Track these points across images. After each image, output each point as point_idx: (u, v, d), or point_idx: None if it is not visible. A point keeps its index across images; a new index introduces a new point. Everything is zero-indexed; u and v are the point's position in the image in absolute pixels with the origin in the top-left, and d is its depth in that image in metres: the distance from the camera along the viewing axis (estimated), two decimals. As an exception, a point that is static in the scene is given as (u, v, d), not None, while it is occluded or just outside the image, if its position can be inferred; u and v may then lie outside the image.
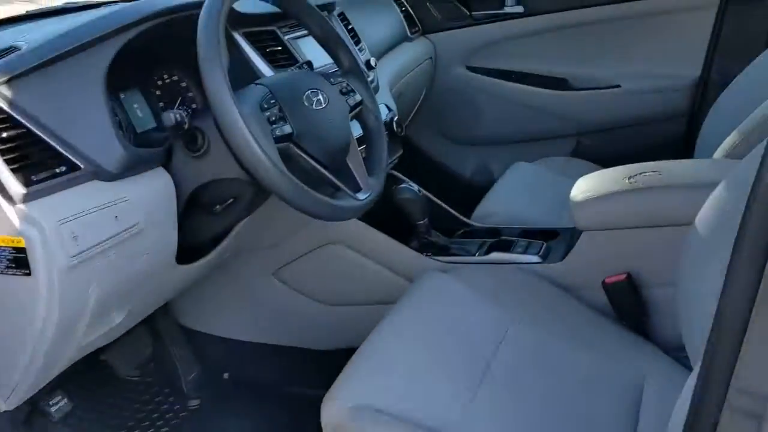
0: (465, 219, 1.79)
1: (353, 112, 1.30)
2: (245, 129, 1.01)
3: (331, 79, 1.29)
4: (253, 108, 1.07)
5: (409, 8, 2.37)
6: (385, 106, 1.79)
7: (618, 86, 2.23)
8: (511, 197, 1.95)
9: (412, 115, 2.41)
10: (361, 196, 1.22)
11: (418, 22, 2.38)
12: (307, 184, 1.13)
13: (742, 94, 1.86)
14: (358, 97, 1.31)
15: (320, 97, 1.20)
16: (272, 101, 1.11)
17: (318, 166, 1.16)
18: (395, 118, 1.77)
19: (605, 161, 2.26)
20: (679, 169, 1.44)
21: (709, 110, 2.00)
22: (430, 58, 2.37)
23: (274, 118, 1.09)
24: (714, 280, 0.80)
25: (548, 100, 2.31)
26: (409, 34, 2.28)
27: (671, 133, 2.24)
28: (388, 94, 1.88)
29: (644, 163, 1.51)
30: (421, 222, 1.61)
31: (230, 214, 1.25)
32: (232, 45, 1.38)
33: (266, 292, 1.70)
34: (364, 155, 1.34)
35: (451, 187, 2.55)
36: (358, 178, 1.25)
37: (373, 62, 1.77)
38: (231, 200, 1.22)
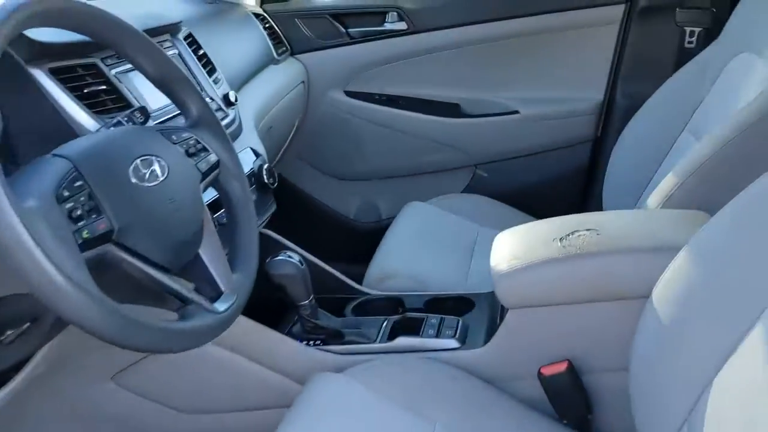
0: (357, 286, 1.47)
1: (206, 180, 0.94)
2: (24, 236, 0.63)
3: (173, 136, 0.92)
4: (44, 199, 0.69)
5: (275, 25, 2.01)
6: (251, 151, 1.43)
7: (516, 112, 1.99)
8: (408, 249, 1.65)
9: (283, 149, 2.05)
10: (221, 305, 0.86)
11: (286, 41, 2.03)
12: (140, 300, 0.76)
13: (657, 122, 1.66)
14: (213, 158, 0.95)
15: (156, 166, 0.83)
16: (77, 184, 0.73)
17: (154, 272, 0.78)
18: (265, 166, 1.41)
19: (506, 195, 2.01)
20: (619, 226, 1.18)
21: (618, 137, 1.80)
22: (303, 82, 2.03)
23: (79, 212, 0.71)
24: (682, 365, 0.78)
25: (439, 129, 2.03)
26: (275, 55, 1.93)
27: (575, 161, 2.02)
28: (254, 135, 1.52)
29: (572, 217, 1.25)
30: (306, 302, 1.26)
31: (27, 341, 0.85)
32: (29, 87, 0.97)
33: (105, 403, 1.29)
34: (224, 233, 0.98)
35: (333, 229, 2.22)
36: (216, 278, 0.88)
37: (232, 96, 1.41)
38: (27, 324, 0.82)
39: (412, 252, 1.62)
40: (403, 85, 2.06)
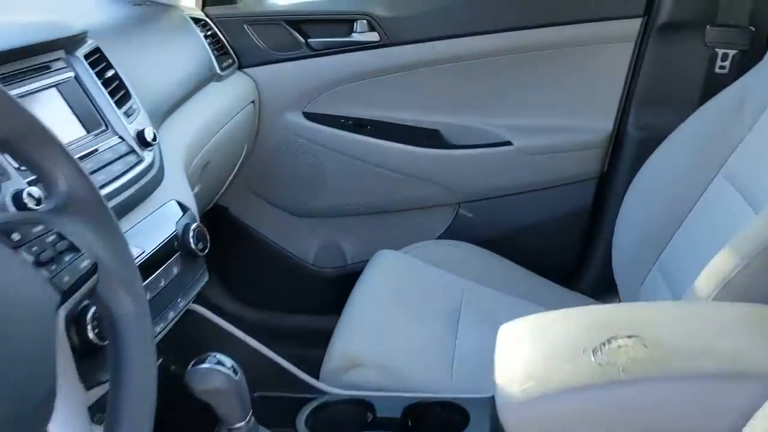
0: (313, 382, 1.14)
1: (72, 300, 0.59)
2: None
3: (15, 233, 0.57)
4: None
5: (219, 32, 1.66)
6: (176, 205, 1.09)
7: (508, 143, 1.67)
8: (376, 321, 1.33)
9: (230, 180, 1.71)
10: None
11: (232, 52, 1.68)
12: None
13: (682, 163, 1.36)
14: (84, 263, 0.61)
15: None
16: None
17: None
18: (193, 226, 1.07)
19: (494, 240, 1.69)
20: (672, 332, 0.87)
21: (628, 174, 1.51)
22: (253, 102, 1.68)
23: None
24: None
25: (416, 161, 1.70)
26: (219, 70, 1.57)
27: (576, 201, 1.71)
28: (181, 180, 1.17)
29: (602, 311, 0.95)
30: (241, 424, 0.92)
31: None
32: None
33: None
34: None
35: (290, 276, 1.88)
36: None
37: (149, 134, 1.06)
38: None
39: (382, 325, 1.30)
40: (374, 107, 1.72)
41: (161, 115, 1.25)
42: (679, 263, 1.33)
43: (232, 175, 1.71)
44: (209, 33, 1.62)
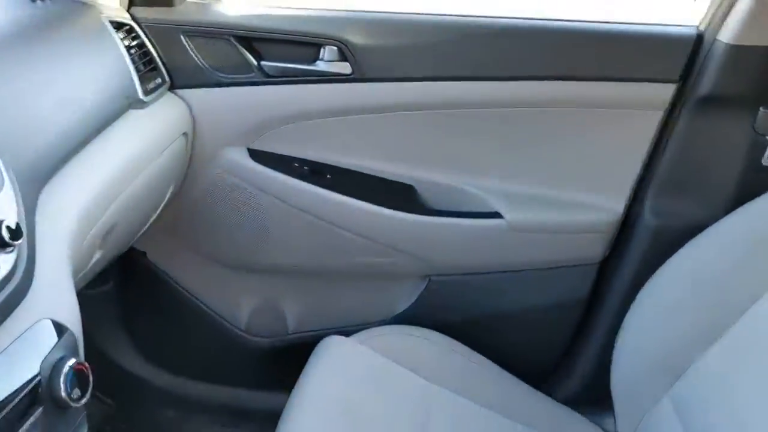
0: None
1: None
2: None
3: None
4: None
5: (148, 41, 1.29)
6: (49, 327, 0.74)
7: (497, 215, 1.36)
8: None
9: (150, 223, 1.35)
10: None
11: (163, 67, 1.31)
12: None
13: (710, 274, 1.10)
14: None
15: None
16: None
17: None
18: (70, 363, 0.73)
19: (467, 324, 1.41)
20: None
21: (633, 265, 1.26)
22: (185, 134, 1.33)
23: None
24: None
25: (384, 224, 1.39)
26: (141, 94, 1.21)
27: (569, 289, 1.42)
28: (61, 282, 0.82)
29: None
30: None
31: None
32: None
33: None
34: None
35: (215, 343, 1.54)
36: None
37: (10, 228, 0.71)
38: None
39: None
40: (336, 150, 1.39)
41: (43, 174, 0.89)
42: (701, 398, 1.06)
43: (153, 218, 1.36)
44: (135, 43, 1.25)
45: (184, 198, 1.41)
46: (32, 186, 0.85)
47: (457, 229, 1.36)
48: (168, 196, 1.36)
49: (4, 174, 0.77)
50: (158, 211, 1.36)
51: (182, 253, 1.50)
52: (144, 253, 1.49)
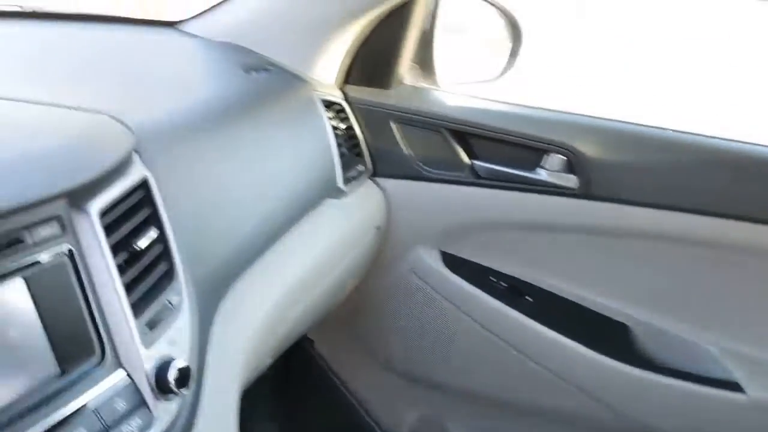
0: None
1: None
2: None
3: None
4: None
5: (356, 124, 1.18)
6: None
7: (738, 388, 1.10)
8: None
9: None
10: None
11: (368, 154, 1.20)
12: None
13: None
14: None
15: None
16: None
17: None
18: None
19: None
20: None
21: None
22: (377, 227, 1.20)
23: None
24: None
25: (587, 369, 1.17)
26: (341, 182, 1.09)
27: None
28: (227, 421, 0.70)
29: None
30: None
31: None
32: None
33: None
34: None
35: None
36: None
37: (179, 371, 0.59)
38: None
39: None
40: (541, 269, 1.20)
41: (227, 280, 0.78)
42: None
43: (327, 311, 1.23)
44: (344, 126, 1.15)
45: (363, 292, 1.28)
46: (213, 297, 0.74)
47: (678, 394, 1.11)
48: (349, 289, 1.23)
49: (184, 293, 0.66)
50: (334, 305, 1.23)
51: (351, 348, 1.36)
52: (312, 342, 1.38)
